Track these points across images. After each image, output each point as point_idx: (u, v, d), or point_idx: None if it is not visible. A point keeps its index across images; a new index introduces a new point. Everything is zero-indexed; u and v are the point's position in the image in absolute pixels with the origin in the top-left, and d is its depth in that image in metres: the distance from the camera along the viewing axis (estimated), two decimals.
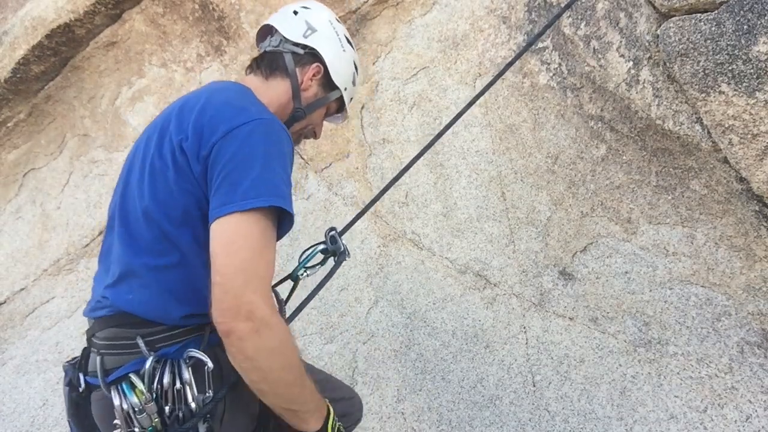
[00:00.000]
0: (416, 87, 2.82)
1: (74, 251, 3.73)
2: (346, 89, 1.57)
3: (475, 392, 2.37)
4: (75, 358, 1.34)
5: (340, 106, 1.63)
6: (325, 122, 1.67)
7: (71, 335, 3.51)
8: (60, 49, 3.52)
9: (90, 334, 1.28)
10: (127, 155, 1.43)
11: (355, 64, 1.61)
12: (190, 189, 1.18)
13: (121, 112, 3.70)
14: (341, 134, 3.03)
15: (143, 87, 3.62)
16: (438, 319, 2.55)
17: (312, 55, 1.50)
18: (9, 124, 3.89)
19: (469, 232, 2.57)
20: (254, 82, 1.47)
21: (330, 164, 3.06)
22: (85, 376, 1.27)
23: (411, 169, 1.83)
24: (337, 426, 1.28)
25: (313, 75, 1.49)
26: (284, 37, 1.50)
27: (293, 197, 3.40)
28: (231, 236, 1.08)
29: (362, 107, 2.98)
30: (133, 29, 3.48)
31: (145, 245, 1.21)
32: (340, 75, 1.53)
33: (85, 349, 1.30)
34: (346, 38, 1.58)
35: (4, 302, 3.89)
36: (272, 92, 1.44)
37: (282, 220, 1.19)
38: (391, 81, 2.91)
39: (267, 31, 1.59)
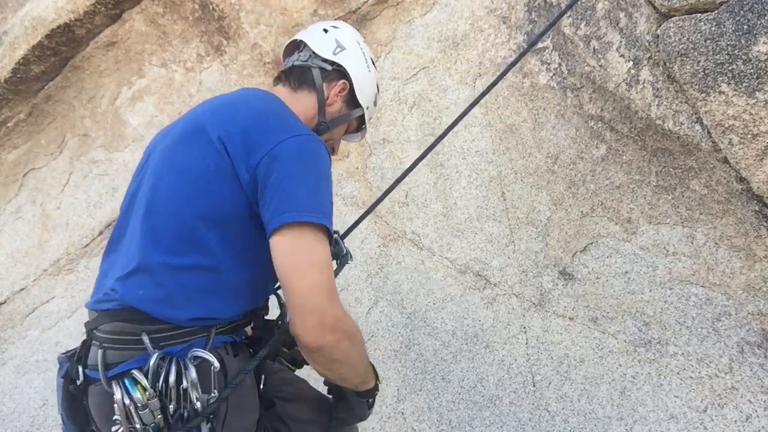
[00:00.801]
0: (416, 87, 2.82)
1: (74, 251, 3.73)
2: (368, 108, 1.63)
3: (475, 392, 2.37)
4: (72, 350, 1.33)
5: (359, 125, 1.68)
6: (342, 140, 1.73)
7: (71, 335, 3.51)
8: (60, 49, 3.52)
9: (91, 327, 1.26)
10: (148, 148, 1.46)
11: (377, 85, 1.67)
12: (231, 192, 1.21)
13: (121, 112, 3.70)
14: None
15: (143, 87, 3.62)
16: (438, 319, 2.55)
17: (339, 72, 1.54)
18: (9, 124, 3.89)
19: (469, 232, 2.57)
20: (283, 93, 1.50)
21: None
22: (84, 368, 1.26)
23: None
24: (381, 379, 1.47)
25: (339, 91, 1.53)
26: (314, 53, 1.54)
27: None
28: (296, 254, 1.14)
29: None
30: (133, 29, 3.48)
31: (168, 243, 1.22)
32: (364, 93, 1.58)
33: (84, 341, 1.29)
34: (371, 60, 1.64)
35: (4, 302, 3.89)
36: (300, 105, 1.48)
37: None
38: (391, 81, 2.91)
39: (295, 47, 1.63)
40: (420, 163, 1.86)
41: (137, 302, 1.20)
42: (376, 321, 2.71)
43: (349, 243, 2.84)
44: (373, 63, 1.64)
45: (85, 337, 1.30)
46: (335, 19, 2.94)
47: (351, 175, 2.98)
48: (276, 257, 1.15)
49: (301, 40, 1.58)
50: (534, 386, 2.26)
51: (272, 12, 3.00)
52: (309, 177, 1.19)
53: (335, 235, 1.54)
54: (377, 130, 2.93)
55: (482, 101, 2.60)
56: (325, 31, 1.58)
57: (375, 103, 1.68)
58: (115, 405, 1.14)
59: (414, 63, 2.84)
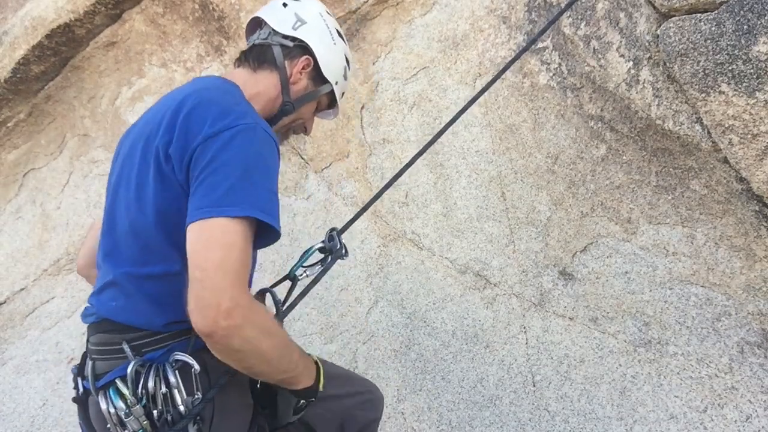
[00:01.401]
0: (416, 87, 2.82)
1: (74, 251, 3.73)
2: (337, 83, 1.54)
3: (475, 392, 2.37)
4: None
5: (332, 101, 1.59)
6: (317, 118, 1.65)
7: (71, 335, 3.51)
8: (60, 49, 3.52)
9: (87, 340, 1.30)
10: (112, 162, 1.42)
11: (346, 58, 1.58)
12: (174, 197, 1.16)
13: (121, 112, 3.70)
14: (341, 134, 3.03)
15: (143, 87, 3.62)
16: (438, 319, 2.55)
17: (301, 48, 1.47)
18: (9, 124, 3.89)
19: (469, 232, 2.57)
20: (242, 76, 1.43)
21: (330, 164, 3.06)
22: (82, 380, 1.29)
23: (411, 169, 1.83)
24: (323, 381, 1.33)
25: (303, 68, 1.46)
26: (273, 30, 1.48)
27: (293, 197, 3.38)
28: (208, 236, 1.06)
29: (362, 107, 2.98)
30: (133, 29, 3.48)
31: (129, 255, 1.22)
32: (330, 68, 1.50)
33: (84, 353, 1.33)
34: (337, 31, 1.56)
35: (4, 302, 3.89)
36: (261, 86, 1.42)
37: (264, 231, 1.14)
38: (391, 81, 2.91)
39: (256, 24, 1.57)
40: (420, 164, 1.85)
41: (112, 314, 1.23)
42: (376, 321, 2.71)
43: (349, 243, 2.84)
44: (340, 34, 1.56)
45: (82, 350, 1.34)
46: (335, 19, 2.94)
47: (351, 175, 2.98)
48: (188, 246, 1.07)
49: (261, 18, 1.52)
50: (534, 386, 2.26)
51: None
52: (234, 168, 1.09)
53: (332, 231, 1.53)
54: (377, 130, 2.93)
55: (482, 101, 2.60)
56: (285, 5, 1.51)
57: (345, 77, 1.59)
58: (104, 414, 1.16)
59: (414, 63, 2.84)
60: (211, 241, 1.05)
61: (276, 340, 1.15)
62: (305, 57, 1.46)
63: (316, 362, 1.33)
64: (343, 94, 1.62)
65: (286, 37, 1.46)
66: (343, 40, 1.57)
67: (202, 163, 1.10)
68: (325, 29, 1.51)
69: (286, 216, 3.08)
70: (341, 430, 1.59)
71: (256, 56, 1.46)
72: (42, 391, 3.42)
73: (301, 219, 3.06)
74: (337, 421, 1.58)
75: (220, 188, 1.07)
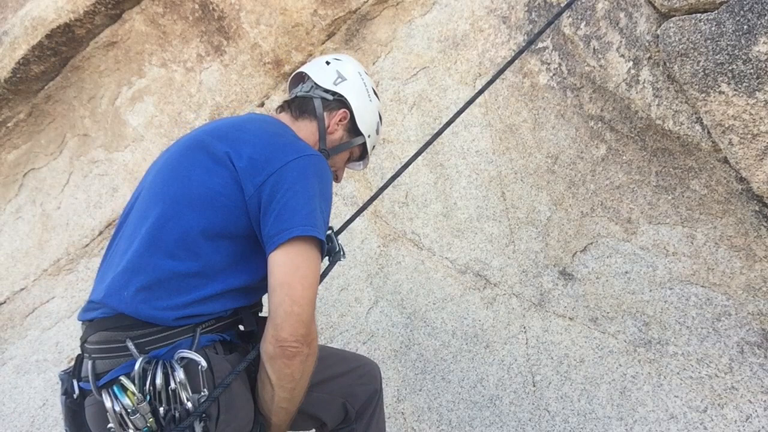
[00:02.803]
0: (416, 87, 2.82)
1: (74, 251, 3.73)
2: (369, 136, 1.67)
3: (475, 392, 2.37)
4: (70, 366, 1.35)
5: (362, 153, 1.72)
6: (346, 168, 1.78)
7: (71, 335, 3.51)
8: (60, 49, 3.52)
9: (83, 340, 1.30)
10: (150, 168, 1.48)
11: (379, 114, 1.71)
12: (236, 208, 1.26)
13: (121, 112, 3.70)
14: None
15: (143, 87, 3.62)
16: (438, 319, 2.55)
17: (340, 102, 1.60)
18: (9, 124, 3.89)
19: (469, 232, 2.57)
20: (285, 121, 1.57)
21: None
22: (78, 382, 1.29)
23: (411, 169, 1.85)
24: None
25: (340, 120, 1.59)
26: (315, 84, 1.61)
27: None
28: (301, 265, 1.20)
29: None
30: (133, 29, 3.47)
31: (166, 247, 1.24)
32: (365, 122, 1.63)
33: (78, 355, 1.32)
34: (373, 90, 1.69)
35: (4, 302, 3.89)
36: (301, 133, 1.53)
37: None
38: (391, 81, 2.91)
39: (299, 79, 1.70)
40: (420, 164, 1.88)
41: (123, 306, 1.22)
42: (376, 321, 2.71)
43: (349, 243, 2.85)
44: (375, 93, 1.70)
45: (79, 351, 1.33)
46: (335, 20, 2.94)
47: (351, 175, 2.98)
48: (274, 269, 1.20)
49: (304, 73, 1.65)
50: (534, 386, 2.26)
51: (272, 12, 3.00)
52: (313, 196, 1.25)
53: (329, 231, 1.56)
54: None
55: (482, 101, 2.60)
56: (327, 63, 1.65)
57: (377, 132, 1.73)
58: (108, 413, 1.15)
59: (414, 63, 2.84)
60: (305, 275, 1.20)
61: (307, 382, 1.30)
62: (343, 110, 1.60)
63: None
64: (373, 147, 1.76)
65: (327, 91, 1.60)
66: (377, 98, 1.72)
67: (283, 187, 1.24)
68: (363, 87, 1.65)
69: None
70: (344, 409, 1.63)
71: (298, 106, 1.59)
72: (42, 391, 3.42)
73: None
74: (338, 401, 1.61)
75: (302, 212, 1.22)
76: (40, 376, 3.49)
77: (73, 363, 1.34)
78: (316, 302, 1.22)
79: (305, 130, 1.55)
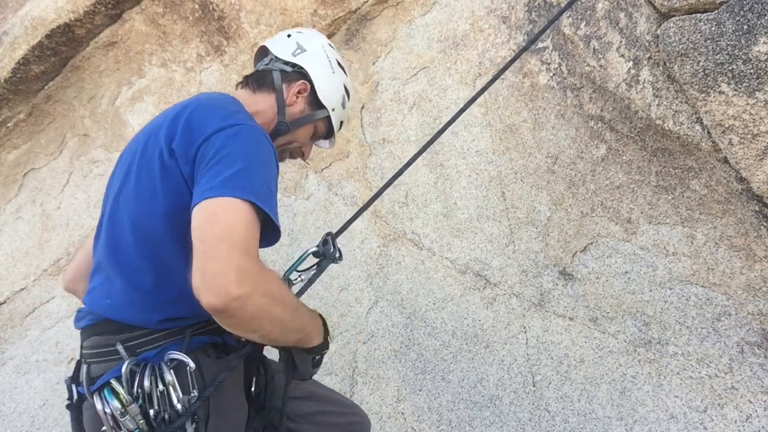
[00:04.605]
0: (416, 87, 2.82)
1: (74, 251, 3.73)
2: (333, 110, 1.60)
3: (475, 392, 2.37)
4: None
5: (330, 131, 1.66)
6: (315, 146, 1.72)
7: (71, 335, 3.51)
8: (60, 49, 3.52)
9: (81, 346, 1.32)
10: (111, 174, 1.44)
11: (346, 88, 1.65)
12: (177, 190, 1.19)
13: (121, 112, 3.70)
14: (341, 134, 3.03)
15: (143, 87, 3.62)
16: (438, 319, 2.56)
17: (300, 74, 1.55)
18: (9, 124, 3.89)
19: (469, 232, 2.57)
20: (242, 95, 1.51)
21: (330, 164, 3.06)
22: (77, 387, 1.31)
23: (411, 169, 1.84)
24: (331, 333, 1.38)
25: (299, 91, 1.53)
26: (275, 56, 1.57)
27: (293, 198, 3.38)
28: (212, 212, 1.06)
29: (362, 107, 2.99)
30: (133, 29, 3.47)
31: (126, 250, 1.24)
32: (327, 95, 1.57)
33: (78, 361, 1.34)
34: (338, 62, 1.64)
35: (4, 302, 3.89)
36: (260, 106, 1.49)
37: (264, 229, 1.14)
38: (391, 81, 2.91)
39: (263, 54, 1.66)
40: (420, 164, 1.86)
41: (108, 312, 1.24)
42: (376, 321, 2.71)
43: (349, 243, 2.85)
44: (341, 66, 1.64)
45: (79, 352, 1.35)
46: (335, 20, 2.94)
47: (351, 175, 2.98)
48: (192, 228, 1.06)
49: (266, 47, 1.62)
50: (534, 386, 2.26)
51: (272, 12, 3.00)
52: (237, 158, 1.12)
53: (327, 236, 1.54)
54: (377, 130, 2.93)
55: (482, 101, 2.60)
56: (289, 36, 1.62)
57: (344, 107, 1.66)
58: (99, 415, 1.17)
59: (414, 63, 2.84)
60: (215, 216, 1.06)
61: (288, 303, 1.18)
62: (302, 81, 1.54)
63: (320, 316, 1.37)
64: (341, 123, 1.69)
65: (286, 63, 1.55)
66: (344, 71, 1.65)
67: (208, 155, 1.14)
68: (325, 58, 1.59)
69: (286, 216, 3.08)
70: None
71: (256, 79, 1.55)
72: (42, 391, 3.42)
73: (301, 219, 3.06)
74: None
75: (223, 174, 1.09)
76: (40, 376, 3.49)
77: (73, 365, 1.36)
78: (244, 241, 1.04)
79: (263, 103, 1.50)
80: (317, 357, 1.36)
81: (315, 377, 1.56)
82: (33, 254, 3.89)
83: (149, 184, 1.22)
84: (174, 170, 1.19)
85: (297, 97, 1.53)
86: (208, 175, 1.11)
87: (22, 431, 3.31)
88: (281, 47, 1.58)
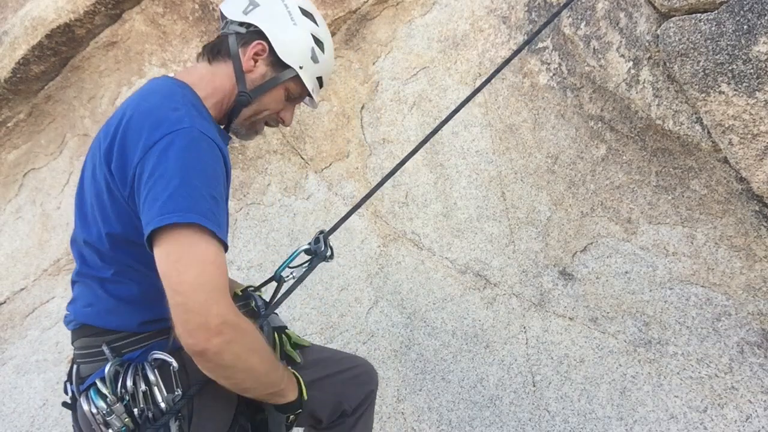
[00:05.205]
0: (416, 87, 2.82)
1: None
2: (302, 67, 1.38)
3: (475, 392, 2.37)
4: None
5: (306, 90, 1.44)
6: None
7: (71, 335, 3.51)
8: (60, 49, 3.52)
9: (72, 346, 1.35)
10: (82, 172, 1.39)
11: (316, 39, 1.41)
12: (125, 211, 1.16)
13: None
14: (341, 134, 3.03)
15: None
16: (438, 319, 2.55)
17: (255, 33, 1.35)
18: (9, 124, 3.89)
19: (469, 232, 2.57)
20: (199, 71, 1.36)
21: (330, 164, 3.05)
22: (71, 386, 1.32)
23: (411, 169, 1.83)
24: (305, 392, 1.33)
25: (255, 53, 1.34)
26: (229, 19, 1.38)
27: (293, 197, 3.37)
28: (173, 254, 1.03)
29: (362, 107, 2.98)
30: (133, 29, 3.47)
31: (93, 262, 1.25)
32: (289, 51, 1.36)
33: (72, 359, 1.36)
34: (301, 10, 1.40)
35: (4, 302, 3.89)
36: (217, 79, 1.34)
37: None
38: (391, 81, 2.91)
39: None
40: (420, 164, 1.85)
41: (87, 318, 1.27)
42: (376, 321, 2.71)
43: (349, 243, 2.85)
44: (305, 14, 1.41)
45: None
46: (335, 20, 2.94)
47: (351, 175, 2.98)
48: (159, 270, 1.04)
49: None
50: (534, 386, 2.26)
51: None
52: (172, 177, 1.05)
53: (320, 234, 1.51)
54: (377, 130, 2.93)
55: (482, 101, 2.60)
56: None
57: (316, 60, 1.41)
58: (86, 415, 1.19)
59: (414, 63, 2.84)
60: (179, 262, 1.03)
61: (263, 355, 1.17)
62: (257, 41, 1.34)
63: (295, 374, 1.34)
64: (321, 79, 1.46)
65: (241, 24, 1.36)
66: (311, 20, 1.41)
67: (144, 177, 1.08)
68: (282, 9, 1.37)
69: (286, 216, 3.08)
70: (340, 407, 1.60)
71: (211, 49, 1.39)
72: (42, 391, 3.41)
73: (301, 219, 3.06)
74: (334, 399, 1.58)
75: (161, 198, 1.04)
76: (40, 376, 3.49)
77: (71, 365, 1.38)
78: (215, 282, 1.03)
79: (221, 74, 1.34)
80: (291, 416, 1.31)
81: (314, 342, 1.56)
82: (33, 254, 3.88)
83: (99, 203, 1.21)
84: (116, 193, 1.16)
85: (255, 61, 1.34)
86: (149, 200, 1.06)
87: (22, 431, 3.30)
88: (232, 7, 1.38)
